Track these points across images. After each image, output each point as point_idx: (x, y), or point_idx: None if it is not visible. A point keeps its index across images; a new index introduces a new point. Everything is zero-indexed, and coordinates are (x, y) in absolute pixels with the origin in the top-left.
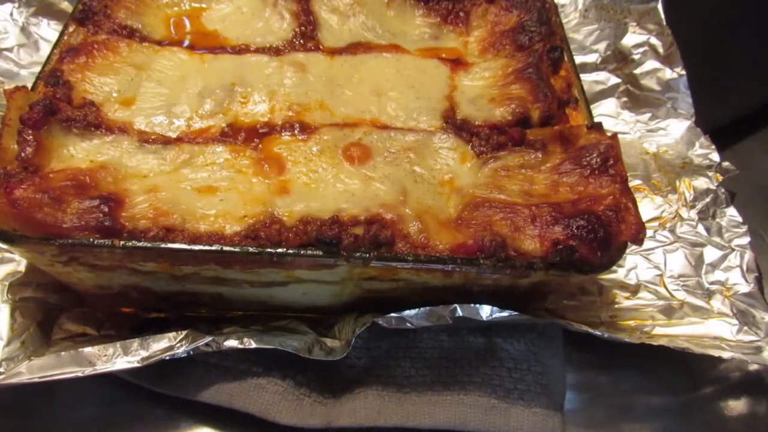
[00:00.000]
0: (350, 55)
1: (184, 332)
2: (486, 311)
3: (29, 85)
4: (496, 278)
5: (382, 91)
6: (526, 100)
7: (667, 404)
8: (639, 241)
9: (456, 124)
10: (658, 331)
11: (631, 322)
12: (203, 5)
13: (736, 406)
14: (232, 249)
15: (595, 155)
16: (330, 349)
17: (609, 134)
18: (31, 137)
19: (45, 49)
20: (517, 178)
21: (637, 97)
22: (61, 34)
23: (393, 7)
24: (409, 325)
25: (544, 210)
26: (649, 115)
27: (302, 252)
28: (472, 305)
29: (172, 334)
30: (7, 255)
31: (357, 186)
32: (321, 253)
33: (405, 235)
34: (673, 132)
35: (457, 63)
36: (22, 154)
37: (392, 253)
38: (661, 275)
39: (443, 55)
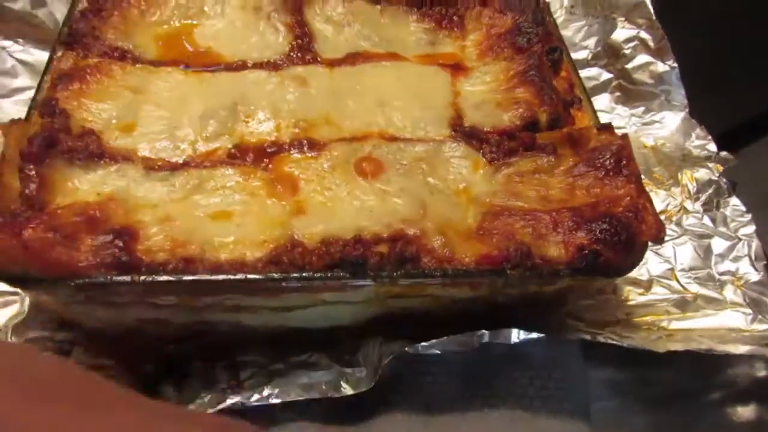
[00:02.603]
0: (349, 65)
1: (207, 397)
2: (514, 335)
3: (13, 116)
4: (522, 287)
5: (386, 101)
6: (532, 103)
7: (678, 403)
8: (660, 240)
9: (465, 132)
10: (674, 325)
11: (647, 318)
12: (194, 21)
13: (744, 411)
14: (256, 277)
15: (607, 156)
16: (357, 380)
17: (619, 134)
18: (33, 173)
19: (24, 75)
20: (531, 183)
21: (630, 92)
22: (50, 60)
23: (386, 14)
24: (435, 352)
25: (564, 215)
26: (642, 108)
27: (329, 275)
28: (500, 330)
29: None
30: (10, 298)
31: (374, 201)
32: (347, 274)
33: (429, 249)
34: (668, 124)
35: (456, 68)
36: (26, 192)
37: (419, 269)
38: (672, 269)
39: (442, 61)
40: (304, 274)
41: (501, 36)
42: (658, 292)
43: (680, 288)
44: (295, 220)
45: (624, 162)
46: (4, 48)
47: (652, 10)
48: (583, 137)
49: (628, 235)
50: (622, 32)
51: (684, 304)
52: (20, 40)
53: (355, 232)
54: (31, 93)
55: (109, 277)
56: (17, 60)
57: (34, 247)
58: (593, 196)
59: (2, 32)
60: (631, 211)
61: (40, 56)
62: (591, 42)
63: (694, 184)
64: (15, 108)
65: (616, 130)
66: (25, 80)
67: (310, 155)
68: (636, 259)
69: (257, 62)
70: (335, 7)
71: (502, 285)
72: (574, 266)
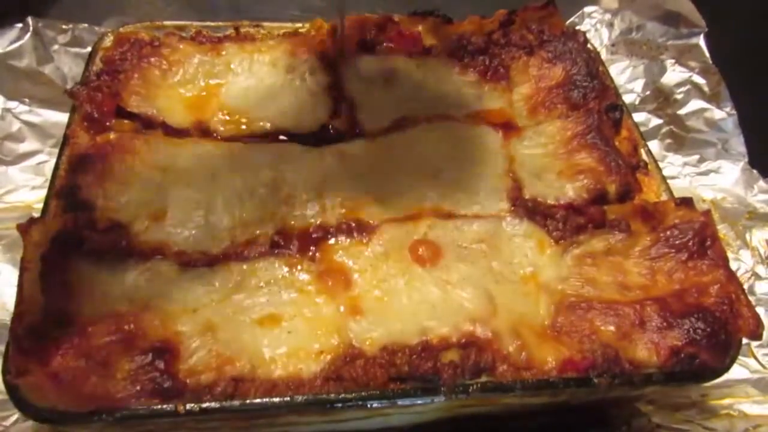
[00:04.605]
0: (393, 132)
1: None
2: None
3: (20, 185)
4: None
5: (437, 171)
6: (597, 172)
7: None
8: (758, 336)
9: (526, 206)
10: (755, 410)
11: (725, 401)
12: (220, 81)
13: None
14: (319, 399)
15: (690, 236)
16: None
17: (701, 210)
18: (58, 282)
19: (31, 139)
20: (605, 267)
21: (682, 139)
22: (65, 137)
23: (426, 68)
24: None
25: (650, 309)
26: (697, 157)
27: (398, 394)
28: None
29: None
30: None
31: (436, 295)
32: (418, 392)
33: (505, 355)
34: (726, 175)
35: (507, 127)
36: (52, 306)
37: (496, 380)
38: (748, 344)
39: (491, 120)
40: (369, 393)
41: (552, 90)
42: (734, 372)
43: (759, 366)
44: (351, 323)
45: (708, 242)
46: (9, 110)
47: (707, 53)
48: (659, 212)
49: (726, 333)
50: (672, 75)
51: (764, 385)
52: (26, 100)
53: (419, 334)
54: (38, 158)
55: (150, 407)
56: (23, 122)
57: (65, 379)
58: (677, 283)
59: (7, 92)
60: (724, 303)
61: (47, 116)
62: (637, 85)
63: (765, 248)
64: (22, 176)
65: (669, 180)
66: (33, 144)
67: (360, 240)
68: (733, 358)
69: (293, 130)
70: (372, 66)
71: (585, 393)
72: (668, 371)
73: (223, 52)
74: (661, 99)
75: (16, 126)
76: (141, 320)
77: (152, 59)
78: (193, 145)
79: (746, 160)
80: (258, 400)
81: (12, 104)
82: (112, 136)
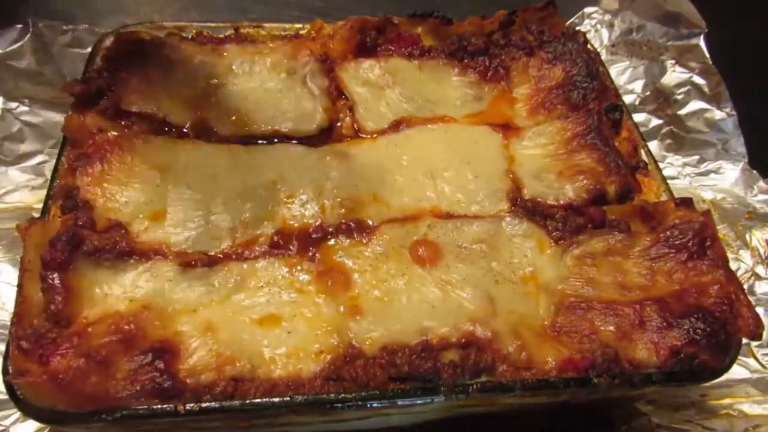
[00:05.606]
0: (394, 133)
1: None
2: None
3: (20, 185)
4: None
5: (436, 172)
6: (597, 172)
7: None
8: (758, 336)
9: (526, 207)
10: (755, 410)
11: (725, 401)
12: (221, 82)
13: None
14: (319, 399)
15: (690, 236)
16: None
17: (701, 211)
18: (57, 282)
19: (31, 139)
20: (605, 267)
21: (682, 139)
22: (65, 137)
23: (426, 70)
24: None
25: (650, 309)
26: (697, 157)
27: (398, 394)
28: None
29: None
30: None
31: (436, 295)
32: (418, 392)
33: (505, 355)
34: (726, 175)
35: (507, 128)
36: (52, 307)
37: (496, 380)
38: (748, 344)
39: (490, 120)
40: (369, 393)
41: (552, 90)
42: (734, 372)
43: (759, 366)
44: (351, 323)
45: (708, 243)
46: (9, 110)
47: (707, 53)
48: (659, 213)
49: (726, 333)
50: (672, 76)
51: (764, 385)
52: (26, 101)
53: (418, 334)
54: (38, 158)
55: (150, 407)
56: (23, 122)
57: (65, 379)
58: (677, 283)
59: (7, 93)
60: (724, 303)
61: (47, 117)
62: (637, 85)
63: (765, 247)
64: (23, 177)
65: (669, 181)
66: (33, 144)
67: (360, 240)
68: (733, 358)
69: (293, 132)
70: (371, 68)
71: (585, 393)
72: (668, 371)
73: (224, 54)
74: (661, 99)
75: (16, 126)
76: (141, 320)
77: (153, 60)
78: (193, 146)
79: (746, 160)
80: (258, 400)
81: (12, 104)
82: (112, 136)
